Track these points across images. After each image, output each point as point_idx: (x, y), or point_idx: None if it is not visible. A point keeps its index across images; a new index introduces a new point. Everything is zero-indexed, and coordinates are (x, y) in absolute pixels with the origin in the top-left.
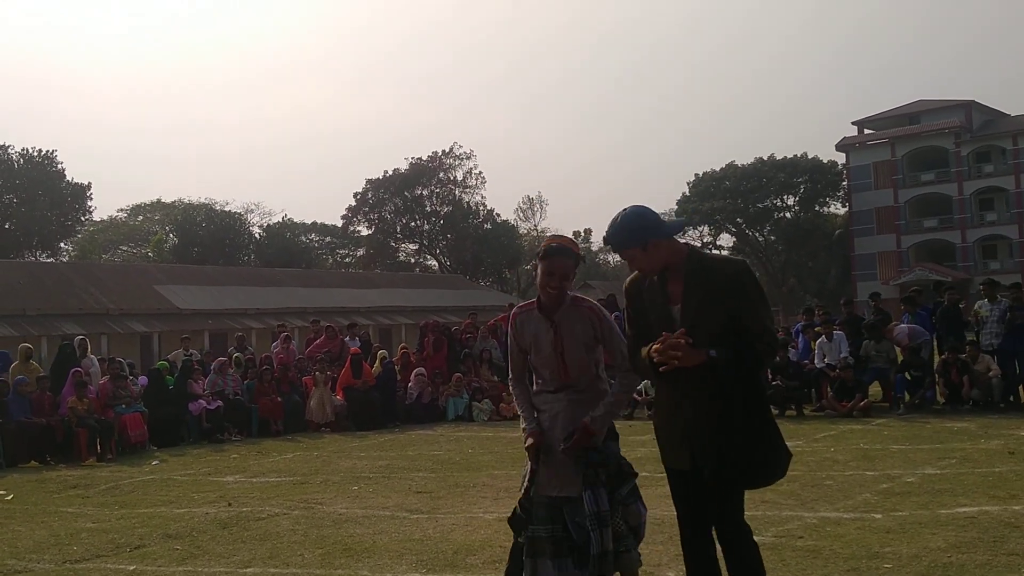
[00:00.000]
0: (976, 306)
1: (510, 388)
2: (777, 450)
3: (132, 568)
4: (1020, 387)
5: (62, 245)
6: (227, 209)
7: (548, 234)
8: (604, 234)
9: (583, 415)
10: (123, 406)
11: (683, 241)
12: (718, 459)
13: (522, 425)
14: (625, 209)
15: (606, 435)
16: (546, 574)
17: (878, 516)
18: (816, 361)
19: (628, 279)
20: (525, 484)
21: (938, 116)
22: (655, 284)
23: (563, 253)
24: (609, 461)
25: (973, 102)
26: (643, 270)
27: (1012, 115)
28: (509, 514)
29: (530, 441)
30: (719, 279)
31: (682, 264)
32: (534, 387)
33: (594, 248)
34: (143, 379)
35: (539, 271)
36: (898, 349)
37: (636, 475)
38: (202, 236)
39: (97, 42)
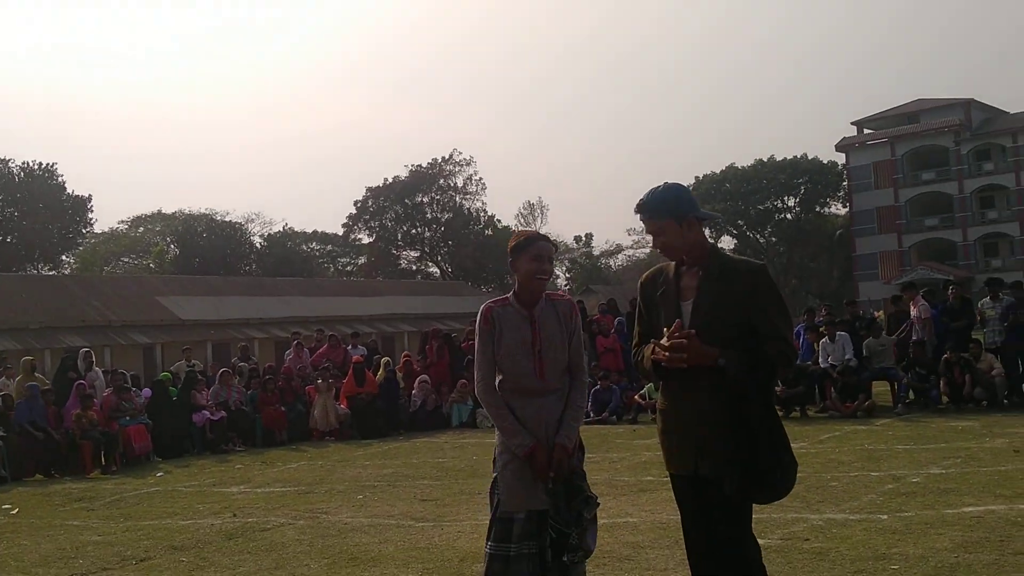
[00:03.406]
0: (979, 304)
1: (480, 395)
2: (787, 458)
3: None
4: None
5: (64, 258)
6: (228, 219)
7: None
8: (639, 201)
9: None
10: (127, 418)
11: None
12: (727, 466)
13: (514, 440)
14: (666, 182)
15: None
16: None
17: (884, 517)
18: (820, 361)
19: (645, 274)
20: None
21: (937, 115)
22: (669, 279)
23: (544, 238)
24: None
25: (972, 100)
26: (669, 246)
27: (1011, 113)
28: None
29: (543, 461)
30: (737, 280)
31: (702, 259)
32: (499, 391)
33: (596, 252)
34: (147, 391)
35: (523, 261)
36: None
37: (598, 504)
38: (203, 246)
39: (96, 52)
